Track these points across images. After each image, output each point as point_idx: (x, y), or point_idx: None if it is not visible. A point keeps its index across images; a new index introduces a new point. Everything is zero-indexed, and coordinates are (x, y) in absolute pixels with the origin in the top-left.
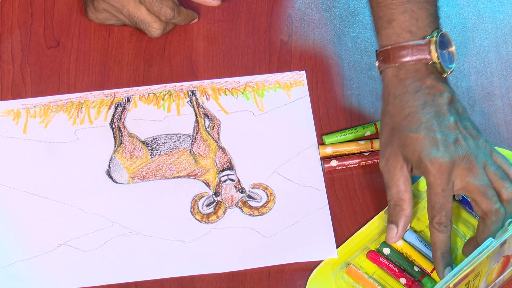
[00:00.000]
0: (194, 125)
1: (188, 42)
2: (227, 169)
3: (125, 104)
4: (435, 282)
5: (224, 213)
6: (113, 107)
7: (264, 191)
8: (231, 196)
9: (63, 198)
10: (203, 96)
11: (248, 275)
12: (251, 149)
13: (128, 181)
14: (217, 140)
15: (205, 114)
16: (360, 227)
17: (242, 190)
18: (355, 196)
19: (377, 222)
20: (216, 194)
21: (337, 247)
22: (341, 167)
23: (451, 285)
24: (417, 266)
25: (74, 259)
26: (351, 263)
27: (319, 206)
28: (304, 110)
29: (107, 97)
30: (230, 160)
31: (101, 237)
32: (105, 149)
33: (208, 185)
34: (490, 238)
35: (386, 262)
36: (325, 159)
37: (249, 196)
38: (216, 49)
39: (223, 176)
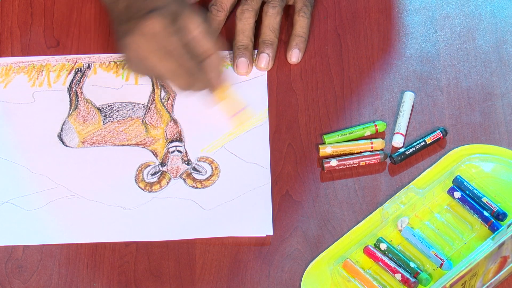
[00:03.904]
0: (150, 95)
1: None
2: (176, 140)
3: (85, 70)
4: (431, 279)
5: (167, 183)
6: (73, 72)
7: (209, 164)
8: (177, 167)
9: (12, 157)
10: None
11: (248, 274)
12: (202, 122)
13: (78, 145)
14: (170, 112)
15: (162, 86)
16: None
17: (188, 162)
18: (355, 195)
19: (375, 217)
20: (162, 164)
21: (334, 243)
22: (341, 167)
23: (448, 285)
24: (413, 262)
25: (15, 218)
26: (347, 258)
27: (262, 184)
28: (260, 89)
29: (68, 62)
30: (181, 132)
31: (44, 197)
32: (60, 112)
33: (155, 154)
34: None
35: (382, 258)
36: (325, 158)
37: (194, 169)
38: None
39: (171, 147)
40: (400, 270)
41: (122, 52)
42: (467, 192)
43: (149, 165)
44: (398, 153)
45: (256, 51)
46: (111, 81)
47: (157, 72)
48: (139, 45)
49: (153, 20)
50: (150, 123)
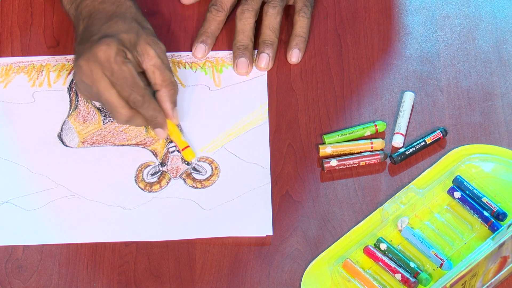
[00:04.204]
0: None
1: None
2: None
3: None
4: (431, 279)
5: (167, 183)
6: (73, 72)
7: (209, 164)
8: (177, 167)
9: (12, 157)
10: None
11: (248, 274)
12: (202, 122)
13: (78, 145)
14: None
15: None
16: None
17: (188, 162)
18: (355, 195)
19: (375, 217)
20: (162, 164)
21: (334, 243)
22: (341, 167)
23: (448, 285)
24: (413, 262)
25: (15, 218)
26: (347, 258)
27: (261, 184)
28: (260, 89)
29: (68, 62)
30: (181, 132)
31: (44, 197)
32: (60, 112)
33: (155, 154)
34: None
35: (382, 258)
36: (325, 158)
37: (194, 169)
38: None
39: (171, 147)
40: (400, 270)
41: (75, 73)
42: (467, 192)
43: (149, 165)
44: (398, 153)
45: (256, 51)
46: None
47: (101, 100)
48: (88, 69)
49: (106, 46)
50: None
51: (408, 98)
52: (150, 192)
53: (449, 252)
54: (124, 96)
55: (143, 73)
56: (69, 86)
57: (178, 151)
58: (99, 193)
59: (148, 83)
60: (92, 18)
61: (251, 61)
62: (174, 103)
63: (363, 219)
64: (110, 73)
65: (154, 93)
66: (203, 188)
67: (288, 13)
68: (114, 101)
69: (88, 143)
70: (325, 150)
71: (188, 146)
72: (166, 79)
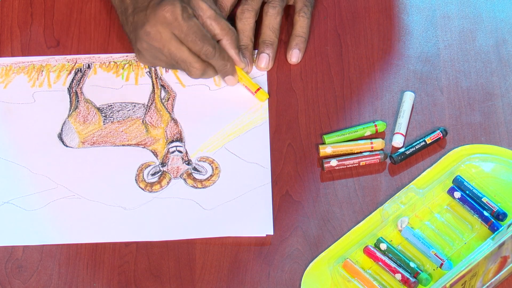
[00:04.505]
0: (150, 95)
1: None
2: (176, 140)
3: (85, 70)
4: (431, 279)
5: (168, 183)
6: (73, 72)
7: (210, 164)
8: (177, 167)
9: (12, 157)
10: (163, 68)
11: (248, 274)
12: (202, 122)
13: (78, 146)
14: (170, 112)
15: (162, 86)
16: None
17: (188, 162)
18: (355, 195)
19: (375, 217)
20: (163, 164)
21: (334, 243)
22: (341, 167)
23: (448, 285)
24: (413, 262)
25: (15, 218)
26: (347, 258)
27: (262, 183)
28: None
29: (68, 62)
30: (181, 132)
31: (45, 198)
32: (60, 113)
33: (156, 154)
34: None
35: (382, 258)
36: (325, 158)
37: (195, 169)
38: None
39: (171, 147)
40: (400, 270)
41: (141, 41)
42: (467, 192)
43: (149, 165)
44: (398, 153)
45: (256, 51)
46: (111, 81)
47: (175, 60)
48: (157, 32)
49: (170, 6)
50: (150, 123)
51: (408, 98)
52: (150, 192)
53: (449, 252)
54: (196, 51)
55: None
56: (69, 86)
57: (178, 151)
58: (99, 193)
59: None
60: None
61: (251, 61)
62: (238, 49)
63: (363, 219)
64: (179, 31)
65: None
66: (203, 188)
67: (288, 13)
68: (188, 57)
69: (88, 143)
70: (325, 150)
71: (260, 88)
72: (225, 27)
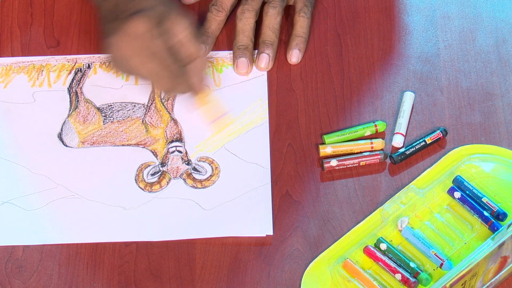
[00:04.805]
0: (150, 95)
1: None
2: (176, 140)
3: (85, 70)
4: (431, 279)
5: (167, 183)
6: (73, 72)
7: (210, 164)
8: (177, 167)
9: (12, 157)
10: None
11: (248, 274)
12: (202, 123)
13: (78, 145)
14: (170, 112)
15: None
16: None
17: (188, 162)
18: (355, 195)
19: (375, 217)
20: (162, 164)
21: (334, 243)
22: (341, 167)
23: (448, 285)
24: (413, 262)
25: (15, 218)
26: (347, 258)
27: (262, 183)
28: (260, 89)
29: (68, 62)
30: (181, 132)
31: (44, 197)
32: (60, 112)
33: (155, 154)
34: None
35: (382, 258)
36: (325, 158)
37: (194, 169)
38: None
39: (171, 147)
40: (400, 270)
41: (106, 51)
42: (467, 192)
43: (149, 165)
44: (398, 153)
45: (256, 51)
46: (111, 81)
47: (140, 74)
48: (123, 45)
49: (138, 21)
50: (150, 123)
51: (408, 98)
52: (150, 192)
53: (449, 252)
54: (163, 67)
55: (173, 47)
56: (69, 86)
57: (178, 151)
58: (99, 193)
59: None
60: None
61: (251, 61)
62: (203, 75)
63: (363, 219)
64: (146, 47)
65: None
66: (203, 188)
67: (288, 13)
68: (151, 74)
69: (88, 143)
70: (325, 150)
71: (218, 118)
72: (195, 51)
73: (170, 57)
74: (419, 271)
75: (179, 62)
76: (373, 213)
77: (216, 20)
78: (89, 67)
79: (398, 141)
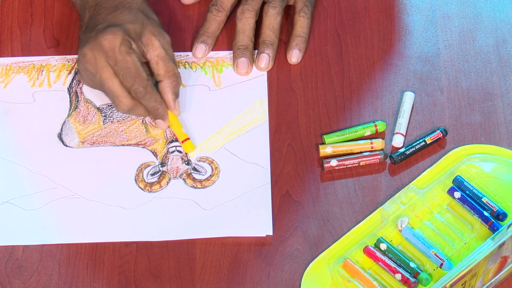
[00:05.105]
0: None
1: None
2: (176, 140)
3: None
4: (431, 279)
5: (167, 183)
6: (73, 72)
7: (209, 164)
8: (177, 167)
9: (12, 157)
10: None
11: (248, 274)
12: (202, 122)
13: (78, 145)
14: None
15: None
16: None
17: (188, 162)
18: (355, 195)
19: (375, 217)
20: (162, 164)
21: (334, 243)
22: (341, 167)
23: (448, 285)
24: (413, 262)
25: (15, 218)
26: (347, 258)
27: (262, 184)
28: (260, 89)
29: (68, 62)
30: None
31: (44, 197)
32: (60, 112)
33: (155, 154)
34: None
35: (382, 258)
36: (325, 158)
37: (194, 169)
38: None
39: (171, 147)
40: (400, 270)
41: (79, 62)
42: (467, 192)
43: (149, 165)
44: (398, 153)
45: (256, 51)
46: None
47: (104, 89)
48: (92, 57)
49: (111, 35)
50: (150, 123)
51: (408, 98)
52: (150, 192)
53: (449, 252)
54: (127, 86)
55: (147, 64)
56: (69, 86)
57: (178, 151)
58: (99, 193)
59: (151, 73)
60: (98, 7)
61: (251, 61)
62: (176, 95)
63: (363, 219)
64: (114, 62)
65: (157, 83)
66: (203, 188)
67: (288, 13)
68: (116, 90)
69: (88, 143)
70: (325, 150)
71: (188, 138)
72: (170, 70)
73: (138, 75)
74: (419, 271)
75: (147, 80)
76: (373, 213)
77: (216, 20)
78: None
79: (398, 141)
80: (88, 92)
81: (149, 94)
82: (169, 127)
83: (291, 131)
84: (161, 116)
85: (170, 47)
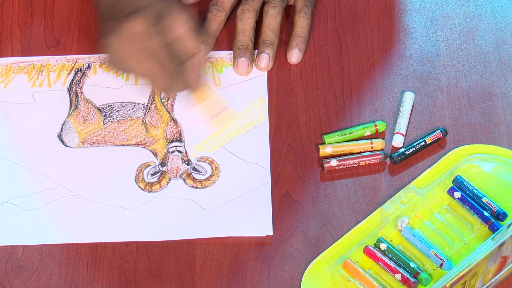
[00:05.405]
0: (150, 95)
1: None
2: (176, 140)
3: (85, 70)
4: (431, 279)
5: (167, 183)
6: (73, 72)
7: (209, 164)
8: (177, 167)
9: (12, 157)
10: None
11: (248, 274)
12: (202, 122)
13: (78, 145)
14: (170, 112)
15: None
16: None
17: (188, 162)
18: (355, 195)
19: (375, 217)
20: (162, 164)
21: (334, 243)
22: (341, 167)
23: (448, 285)
24: (413, 262)
25: (15, 218)
26: (347, 258)
27: (262, 183)
28: (260, 89)
29: (68, 62)
30: (180, 132)
31: (44, 197)
32: (60, 112)
33: (155, 154)
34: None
35: (382, 258)
36: (325, 158)
37: (194, 169)
38: None
39: (171, 147)
40: (400, 270)
41: (104, 51)
42: (467, 192)
43: (149, 165)
44: (398, 153)
45: (256, 51)
46: (111, 81)
47: (137, 73)
48: (120, 45)
49: (136, 21)
50: (150, 123)
51: (408, 98)
52: (150, 192)
53: (449, 252)
54: (161, 66)
55: (172, 43)
56: (69, 86)
57: (178, 151)
58: (99, 193)
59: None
60: None
61: (251, 61)
62: (201, 72)
63: (363, 219)
64: (143, 46)
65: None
66: (203, 188)
67: (288, 13)
68: (150, 73)
69: (88, 143)
70: (325, 150)
71: (216, 116)
72: (197, 45)
73: (168, 55)
74: (419, 271)
75: (177, 59)
76: (373, 213)
77: (216, 20)
78: (89, 67)
79: (398, 141)
80: (88, 92)
81: (183, 71)
82: (202, 101)
83: (291, 131)
84: (194, 91)
85: (192, 22)
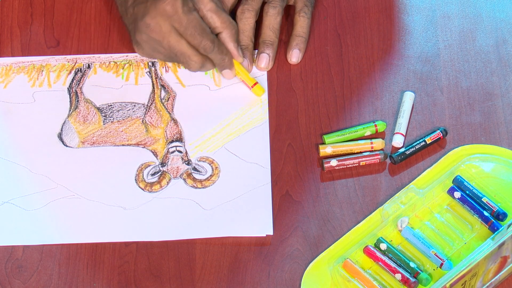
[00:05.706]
0: (150, 95)
1: None
2: (176, 140)
3: (85, 70)
4: (431, 279)
5: (168, 183)
6: (73, 72)
7: (210, 164)
8: (177, 167)
9: (12, 157)
10: (163, 67)
11: (248, 274)
12: (202, 122)
13: (78, 145)
14: (170, 112)
15: (162, 86)
16: None
17: (188, 162)
18: (355, 195)
19: (375, 217)
20: (163, 164)
21: (334, 243)
22: (341, 167)
23: (448, 285)
24: (413, 262)
25: (15, 218)
26: (347, 258)
27: (262, 183)
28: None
29: (68, 62)
30: (181, 132)
31: (45, 197)
32: (60, 112)
33: (156, 154)
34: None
35: (382, 258)
36: (325, 158)
37: (194, 169)
38: None
39: (171, 147)
40: (400, 270)
41: (140, 33)
42: (467, 192)
43: (149, 165)
44: (398, 153)
45: (256, 51)
46: (111, 81)
47: (173, 53)
48: (157, 25)
49: (169, 0)
50: (150, 123)
51: (408, 98)
52: (150, 192)
53: (449, 252)
54: (195, 44)
55: (202, 20)
56: (69, 86)
57: (178, 151)
58: (99, 193)
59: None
60: None
61: (251, 61)
62: (237, 42)
63: (363, 219)
64: (179, 24)
65: (216, 36)
66: (203, 188)
67: (288, 13)
68: (187, 51)
69: (88, 143)
70: (325, 150)
71: (257, 83)
72: (225, 20)
73: (205, 30)
74: (419, 271)
75: (209, 35)
76: (373, 213)
77: None
78: (89, 67)
79: (398, 141)
80: (88, 92)
81: (217, 47)
82: (235, 75)
83: (291, 131)
84: (228, 66)
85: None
